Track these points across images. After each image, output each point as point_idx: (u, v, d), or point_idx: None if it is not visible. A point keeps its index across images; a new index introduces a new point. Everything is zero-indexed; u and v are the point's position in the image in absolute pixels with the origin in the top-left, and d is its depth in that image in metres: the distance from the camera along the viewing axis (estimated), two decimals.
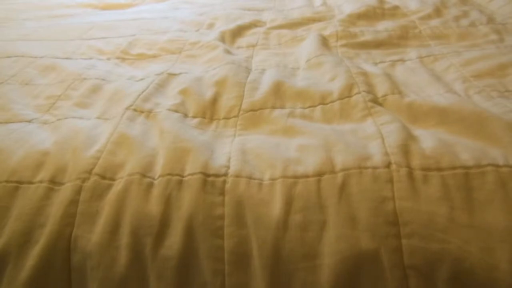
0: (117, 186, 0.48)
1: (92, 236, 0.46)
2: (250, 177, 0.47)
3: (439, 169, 0.45)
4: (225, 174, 0.48)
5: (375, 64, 0.77)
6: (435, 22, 0.95)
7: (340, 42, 0.87)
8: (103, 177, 0.49)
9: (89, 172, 0.49)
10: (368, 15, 1.03)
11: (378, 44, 0.86)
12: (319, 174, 0.46)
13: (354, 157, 0.48)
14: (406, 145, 0.49)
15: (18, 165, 0.51)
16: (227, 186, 0.47)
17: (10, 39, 0.97)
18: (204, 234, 0.45)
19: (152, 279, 0.45)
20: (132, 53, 0.88)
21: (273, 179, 0.47)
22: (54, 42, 0.95)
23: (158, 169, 0.49)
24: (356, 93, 0.62)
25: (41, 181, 0.49)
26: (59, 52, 0.88)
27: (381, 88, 0.64)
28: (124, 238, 0.45)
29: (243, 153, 0.51)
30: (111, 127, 0.57)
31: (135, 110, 0.62)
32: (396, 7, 1.07)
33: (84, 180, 0.49)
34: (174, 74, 0.74)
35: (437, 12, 1.02)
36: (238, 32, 0.97)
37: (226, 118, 0.61)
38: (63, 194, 0.48)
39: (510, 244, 0.40)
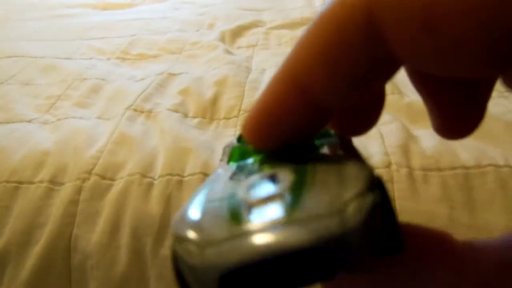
0: (117, 186, 0.48)
1: (92, 236, 0.46)
2: None
3: (439, 169, 0.45)
4: None
5: None
6: None
7: None
8: (103, 177, 0.49)
9: (89, 172, 0.49)
10: None
11: None
12: None
13: None
14: (406, 145, 0.49)
15: (18, 165, 0.51)
16: None
17: (10, 39, 0.97)
18: None
19: (152, 278, 0.45)
20: (132, 53, 0.88)
21: None
22: (54, 42, 0.95)
23: (158, 169, 0.49)
24: None
25: (41, 181, 0.49)
26: (60, 52, 0.88)
27: None
28: (124, 238, 0.45)
29: None
30: (111, 127, 0.57)
31: (135, 110, 0.62)
32: None
33: (84, 180, 0.49)
34: (174, 74, 0.74)
35: None
36: (238, 32, 0.97)
37: (226, 118, 0.61)
38: (63, 194, 0.48)
39: None
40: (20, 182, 0.49)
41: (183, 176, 0.48)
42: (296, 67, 0.12)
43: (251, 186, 0.12)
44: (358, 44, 0.11)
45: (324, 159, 0.14)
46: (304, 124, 0.13)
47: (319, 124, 0.14)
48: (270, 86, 0.13)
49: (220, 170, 0.15)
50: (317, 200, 0.11)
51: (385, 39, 0.11)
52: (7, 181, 0.49)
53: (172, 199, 0.46)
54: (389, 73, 0.12)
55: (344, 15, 0.11)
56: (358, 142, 0.57)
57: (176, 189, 0.47)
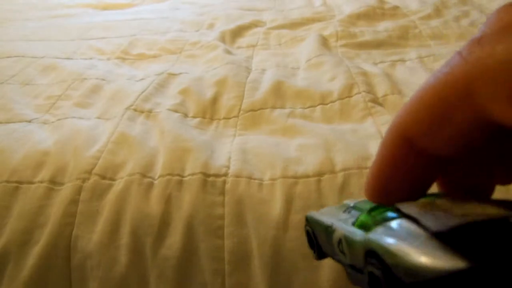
0: (117, 186, 0.48)
1: (92, 236, 0.46)
2: (250, 177, 0.47)
3: None
4: (225, 174, 0.48)
5: (375, 64, 0.77)
6: (435, 22, 0.95)
7: (340, 42, 0.87)
8: (103, 177, 0.49)
9: (89, 172, 0.49)
10: (368, 15, 1.03)
11: (378, 44, 0.86)
12: (319, 174, 0.47)
13: (354, 157, 0.48)
14: None
15: (18, 165, 0.51)
16: (227, 186, 0.47)
17: (10, 39, 0.97)
18: (204, 234, 0.45)
19: (152, 278, 0.45)
20: (132, 53, 0.88)
21: (273, 179, 0.47)
22: (55, 42, 0.95)
23: (158, 169, 0.49)
24: (356, 93, 0.62)
25: (41, 181, 0.49)
26: (60, 52, 0.88)
27: (381, 88, 0.64)
28: (124, 238, 0.45)
29: (243, 153, 0.51)
30: (112, 127, 0.57)
31: (135, 110, 0.62)
32: (396, 7, 1.07)
33: (84, 180, 0.49)
34: (174, 74, 0.74)
35: (437, 12, 1.02)
36: (238, 32, 0.97)
37: (226, 118, 0.61)
38: (63, 194, 0.48)
39: None
40: (20, 182, 0.49)
41: (183, 176, 0.48)
42: (405, 126, 0.15)
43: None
44: (459, 111, 0.14)
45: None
46: (416, 175, 0.16)
47: (430, 175, 0.17)
48: (383, 147, 0.16)
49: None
50: None
51: (484, 109, 0.13)
52: (7, 181, 0.49)
53: (172, 199, 0.46)
54: (499, 146, 0.16)
55: (448, 89, 0.14)
56: (358, 142, 0.56)
57: (176, 189, 0.47)
